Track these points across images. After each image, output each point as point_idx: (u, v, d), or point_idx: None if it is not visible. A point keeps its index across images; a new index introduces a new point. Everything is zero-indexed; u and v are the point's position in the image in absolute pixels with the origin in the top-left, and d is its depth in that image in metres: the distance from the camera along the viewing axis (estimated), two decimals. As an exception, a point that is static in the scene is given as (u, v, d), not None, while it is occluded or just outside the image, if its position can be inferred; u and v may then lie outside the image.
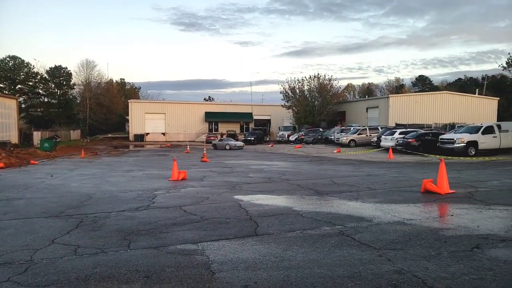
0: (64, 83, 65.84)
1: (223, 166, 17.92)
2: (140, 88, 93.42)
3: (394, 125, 35.84)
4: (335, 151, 26.98)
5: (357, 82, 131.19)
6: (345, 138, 32.13)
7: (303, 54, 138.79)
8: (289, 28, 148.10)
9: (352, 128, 35.35)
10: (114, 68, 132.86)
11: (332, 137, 35.32)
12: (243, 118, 57.02)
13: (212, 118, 55.68)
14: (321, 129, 42.17)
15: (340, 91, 54.27)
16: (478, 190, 9.27)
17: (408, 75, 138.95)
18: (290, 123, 51.56)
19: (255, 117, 57.32)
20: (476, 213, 6.78)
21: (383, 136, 27.22)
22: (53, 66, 64.99)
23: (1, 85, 60.75)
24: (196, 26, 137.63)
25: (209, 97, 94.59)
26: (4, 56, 62.17)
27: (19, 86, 62.72)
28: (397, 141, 24.55)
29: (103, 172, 15.74)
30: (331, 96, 48.05)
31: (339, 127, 41.12)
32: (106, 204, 8.47)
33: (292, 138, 42.16)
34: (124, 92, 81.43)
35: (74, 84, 65.92)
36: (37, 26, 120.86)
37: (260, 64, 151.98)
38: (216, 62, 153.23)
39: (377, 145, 27.71)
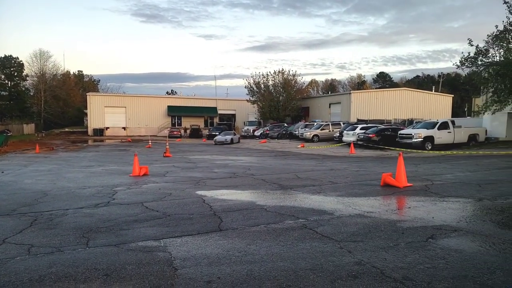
0: (16, 74, 61.61)
1: (186, 161, 17.66)
2: (99, 80, 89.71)
3: (355, 120, 37.01)
4: (299, 146, 27.46)
5: (321, 78, 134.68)
6: (308, 133, 32.72)
7: (267, 49, 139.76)
8: (253, 22, 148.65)
9: (315, 123, 36.06)
10: (71, 59, 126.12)
11: (297, 132, 35.88)
12: (207, 112, 56.42)
13: (175, 112, 54.59)
14: (285, 124, 42.72)
15: (304, 87, 55.33)
16: (433, 183, 9.79)
17: (369, 71, 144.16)
18: (255, 118, 51.79)
19: (219, 112, 56.91)
20: (432, 205, 7.15)
21: (345, 131, 28.02)
22: (2, 56, 60.76)
23: None
24: (158, 18, 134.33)
25: (172, 90, 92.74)
26: None
27: (-35, 76, 58.09)
28: (358, 136, 25.36)
29: (60, 168, 14.97)
30: (295, 91, 48.78)
31: (303, 122, 41.82)
32: (63, 201, 8.06)
33: (257, 133, 42.35)
34: (82, 85, 77.87)
35: (27, 76, 61.94)
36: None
37: (225, 58, 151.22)
38: (180, 55, 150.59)
39: (339, 140, 28.48)
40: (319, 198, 8.05)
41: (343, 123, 33.06)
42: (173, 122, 54.80)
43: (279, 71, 48.74)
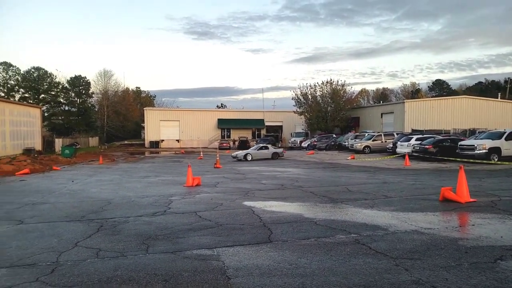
0: (84, 92, 67.76)
1: (235, 172, 18.02)
2: (155, 96, 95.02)
3: (410, 131, 35.33)
4: (349, 157, 26.76)
5: (371, 87, 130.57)
6: (359, 144, 31.81)
7: (314, 60, 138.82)
8: (300, 34, 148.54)
9: (366, 134, 34.95)
10: (130, 77, 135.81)
11: (346, 143, 35.03)
12: (255, 124, 57.18)
13: (225, 125, 56.07)
14: (334, 135, 41.89)
15: (353, 97, 53.88)
16: (501, 199, 9.03)
17: (423, 79, 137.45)
18: (303, 129, 51.41)
19: (266, 124, 57.40)
20: (499, 223, 6.60)
21: (399, 142, 26.87)
22: (73, 76, 67.17)
23: (27, 95, 63.13)
24: (208, 34, 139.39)
25: (221, 104, 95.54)
26: (30, 68, 64.68)
27: (43, 95, 65.00)
28: (413, 148, 24.19)
29: (120, 178, 16.05)
30: (344, 101, 47.78)
31: (353, 133, 40.73)
32: (125, 209, 8.66)
33: (304, 144, 41.95)
34: (140, 100, 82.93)
35: (93, 93, 67.76)
36: (59, 37, 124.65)
37: (272, 71, 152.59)
38: (228, 70, 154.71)
39: (392, 151, 27.35)
40: (372, 212, 7.81)
41: (397, 134, 31.70)
42: (223, 134, 56.29)
43: (327, 82, 48.18)
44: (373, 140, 31.92)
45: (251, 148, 30.20)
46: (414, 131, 33.50)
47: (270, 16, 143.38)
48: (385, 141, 31.00)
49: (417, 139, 25.29)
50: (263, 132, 56.63)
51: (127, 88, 78.62)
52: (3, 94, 60.15)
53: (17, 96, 62.39)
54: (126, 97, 71.89)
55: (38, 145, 34.75)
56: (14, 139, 29.94)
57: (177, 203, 9.37)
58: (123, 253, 5.23)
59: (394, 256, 4.86)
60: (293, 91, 50.48)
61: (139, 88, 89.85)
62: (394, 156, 25.69)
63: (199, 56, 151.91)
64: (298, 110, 49.50)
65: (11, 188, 13.02)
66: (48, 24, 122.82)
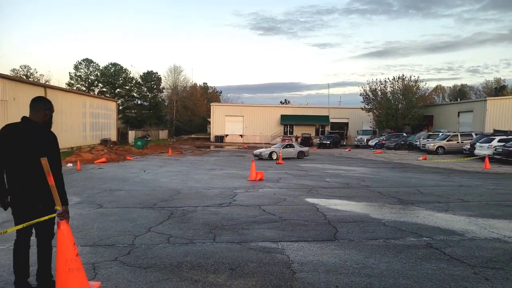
0: (155, 87, 72.31)
1: (298, 169, 17.94)
2: (221, 92, 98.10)
3: (492, 131, 32.06)
4: (421, 158, 25.12)
5: (447, 84, 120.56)
6: (432, 144, 29.77)
7: (384, 55, 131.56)
8: (370, 28, 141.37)
9: (440, 133, 32.55)
10: (198, 72, 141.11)
11: (417, 143, 33.03)
12: (319, 121, 56.18)
13: (288, 121, 55.95)
14: (404, 134, 39.65)
15: (427, 94, 50.30)
16: None
17: (510, 75, 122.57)
18: (370, 127, 49.34)
19: (331, 120, 56.06)
20: None
21: (478, 144, 24.55)
22: (145, 71, 72.01)
23: (104, 89, 69.34)
24: (274, 30, 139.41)
25: (285, 100, 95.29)
26: (107, 64, 70.93)
27: (118, 90, 70.80)
28: (495, 150, 21.93)
29: (188, 170, 16.93)
30: (417, 98, 44.88)
31: (425, 132, 38.14)
32: (193, 199, 9.13)
33: (371, 142, 40.31)
34: (207, 96, 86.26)
35: (163, 88, 71.91)
36: (133, 34, 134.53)
37: (338, 66, 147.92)
38: (293, 65, 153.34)
39: (470, 153, 25.11)
40: (446, 216, 7.27)
41: (476, 134, 29.02)
42: (285, 130, 56.28)
43: (399, 77, 45.59)
44: (447, 140, 29.66)
45: (274, 146, 28.46)
46: (497, 132, 30.32)
47: (339, 10, 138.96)
48: (462, 142, 28.61)
49: (500, 140, 22.90)
50: (327, 129, 55.51)
51: (195, 83, 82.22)
52: (84, 88, 66.67)
53: (96, 90, 68.66)
54: (194, 93, 75.19)
55: (113, 136, 38.04)
56: (93, 130, 33.13)
57: (241, 196, 9.63)
58: (192, 240, 5.53)
59: (472, 264, 4.50)
60: (362, 87, 48.60)
61: (206, 84, 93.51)
62: (471, 158, 23.56)
63: (265, 51, 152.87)
64: (366, 106, 47.58)
65: (91, 175, 14.46)
66: (124, 22, 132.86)
